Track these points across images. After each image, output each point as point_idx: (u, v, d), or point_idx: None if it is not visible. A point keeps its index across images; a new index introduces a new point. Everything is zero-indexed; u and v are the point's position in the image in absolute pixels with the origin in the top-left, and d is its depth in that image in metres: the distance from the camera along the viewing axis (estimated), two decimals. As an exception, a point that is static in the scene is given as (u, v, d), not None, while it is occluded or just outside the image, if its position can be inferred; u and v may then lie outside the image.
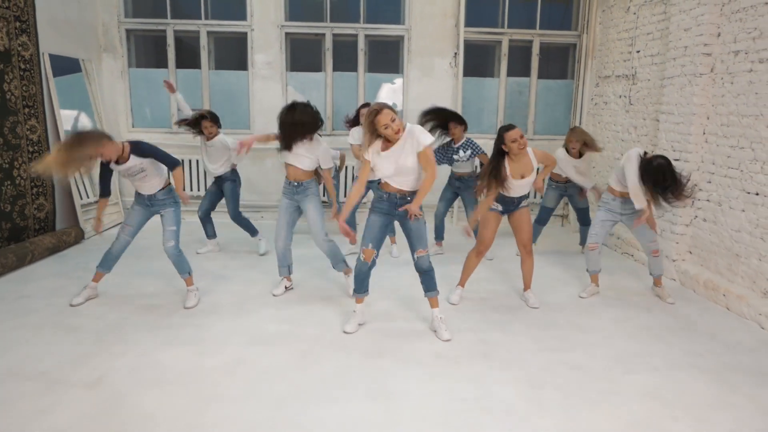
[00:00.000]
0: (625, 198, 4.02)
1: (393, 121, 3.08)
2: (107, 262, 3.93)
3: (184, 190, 4.01)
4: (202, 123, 4.91)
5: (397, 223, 3.50)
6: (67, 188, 5.66)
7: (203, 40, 6.52)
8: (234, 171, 5.16)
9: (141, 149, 3.67)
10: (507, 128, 3.71)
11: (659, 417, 2.61)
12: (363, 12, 6.57)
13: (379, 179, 3.36)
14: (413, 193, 3.28)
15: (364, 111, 4.66)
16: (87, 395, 2.68)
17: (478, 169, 5.03)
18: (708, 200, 4.46)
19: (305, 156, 3.90)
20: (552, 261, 5.18)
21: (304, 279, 4.47)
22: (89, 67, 6.18)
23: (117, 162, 3.62)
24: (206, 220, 5.19)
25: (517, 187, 3.78)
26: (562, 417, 2.59)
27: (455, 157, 4.83)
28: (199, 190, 6.69)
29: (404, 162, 3.16)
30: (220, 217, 5.58)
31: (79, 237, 5.50)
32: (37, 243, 4.91)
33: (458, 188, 5.03)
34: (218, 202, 5.23)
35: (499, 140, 3.71)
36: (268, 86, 6.62)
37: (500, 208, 3.92)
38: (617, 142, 5.94)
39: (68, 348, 3.18)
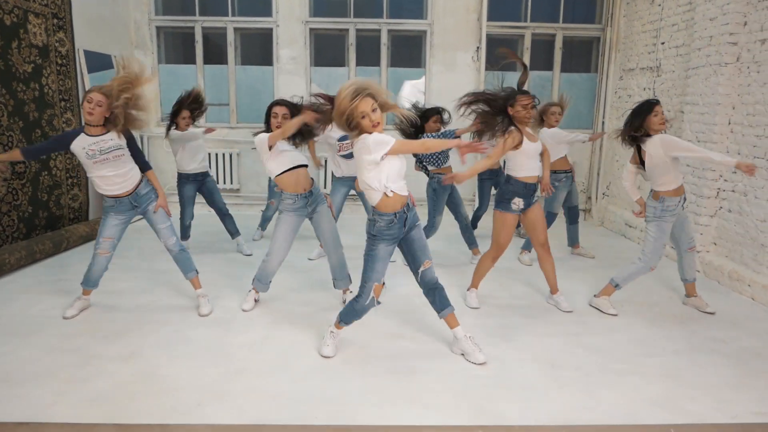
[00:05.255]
0: (681, 196, 3.48)
1: (374, 110, 2.60)
2: (90, 281, 3.47)
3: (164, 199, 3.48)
4: (182, 112, 4.59)
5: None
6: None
7: (230, 37, 6.68)
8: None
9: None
10: (524, 92, 3.39)
11: (678, 396, 2.62)
12: (386, 7, 6.66)
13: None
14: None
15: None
16: (122, 367, 2.81)
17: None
18: (733, 191, 4.42)
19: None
20: (567, 249, 5.18)
21: (325, 263, 4.52)
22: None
23: (89, 133, 3.13)
24: (189, 226, 5.00)
25: (529, 150, 3.44)
26: (580, 394, 2.63)
27: None
28: (232, 183, 6.85)
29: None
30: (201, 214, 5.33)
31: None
32: (72, 231, 5.11)
33: (444, 189, 4.45)
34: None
35: (507, 101, 3.36)
36: (292, 81, 6.75)
37: (522, 205, 3.54)
38: (641, 135, 5.90)
39: (103, 326, 3.33)
